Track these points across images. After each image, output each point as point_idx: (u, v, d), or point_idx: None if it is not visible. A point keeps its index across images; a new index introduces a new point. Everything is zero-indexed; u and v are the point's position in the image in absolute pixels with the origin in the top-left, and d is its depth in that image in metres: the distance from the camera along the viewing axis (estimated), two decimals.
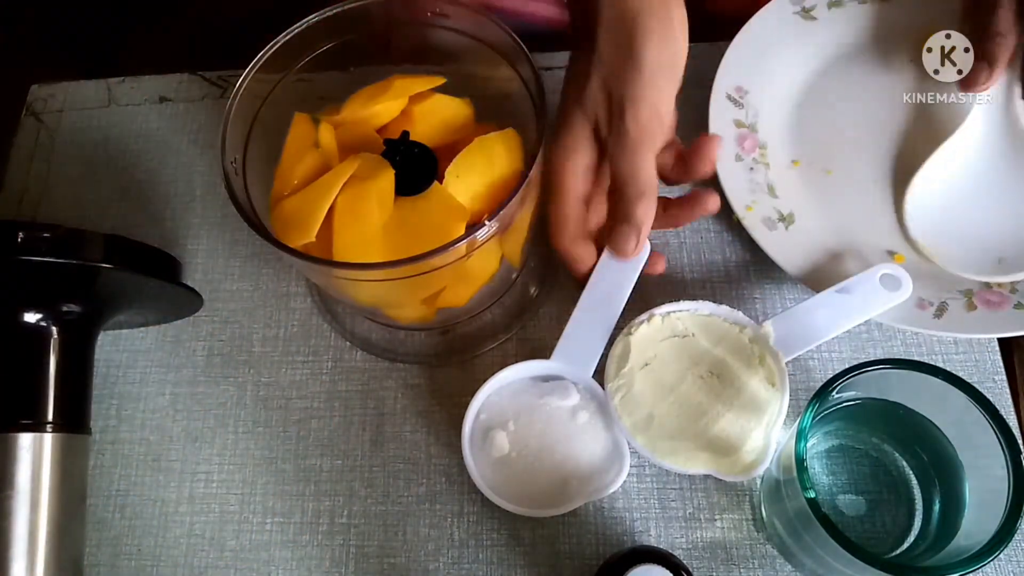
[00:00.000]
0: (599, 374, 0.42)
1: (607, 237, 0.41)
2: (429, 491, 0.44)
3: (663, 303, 0.42)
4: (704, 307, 0.42)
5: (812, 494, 0.32)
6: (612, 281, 0.42)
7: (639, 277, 0.43)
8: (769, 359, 0.40)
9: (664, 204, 0.42)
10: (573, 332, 0.42)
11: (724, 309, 0.42)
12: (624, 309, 0.42)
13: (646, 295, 0.44)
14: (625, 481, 0.43)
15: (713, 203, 0.41)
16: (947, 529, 0.36)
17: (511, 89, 0.40)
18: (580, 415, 0.41)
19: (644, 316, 0.42)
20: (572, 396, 0.41)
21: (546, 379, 0.43)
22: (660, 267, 0.43)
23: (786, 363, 0.40)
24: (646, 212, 0.39)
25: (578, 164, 0.39)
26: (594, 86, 0.36)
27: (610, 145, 0.38)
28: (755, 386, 0.40)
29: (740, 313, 0.42)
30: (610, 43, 0.36)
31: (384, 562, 0.42)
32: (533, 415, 0.41)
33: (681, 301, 0.42)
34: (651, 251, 0.43)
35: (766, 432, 0.39)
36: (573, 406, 0.41)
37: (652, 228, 0.40)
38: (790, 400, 0.39)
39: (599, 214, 0.43)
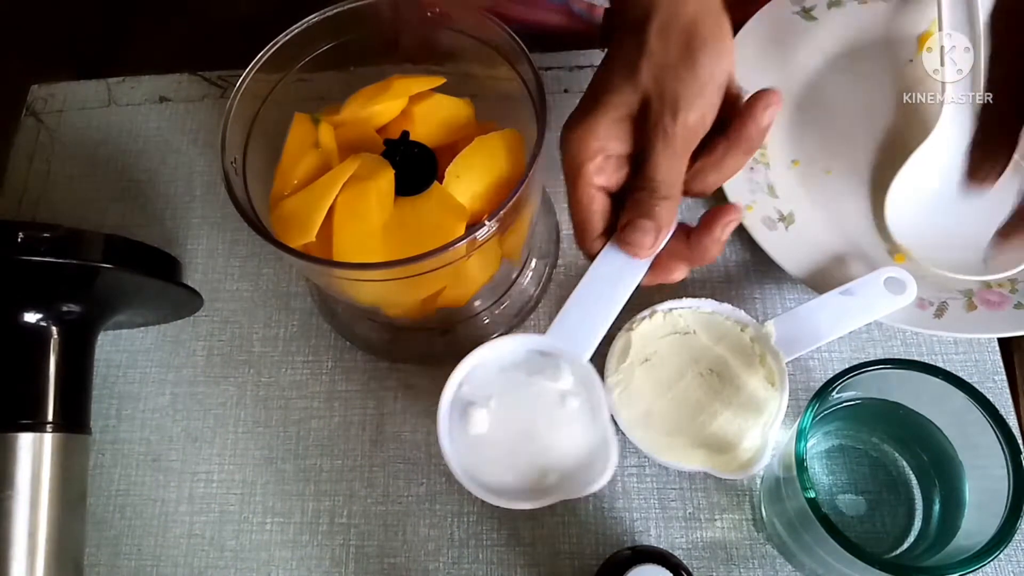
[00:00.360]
0: (596, 365, 0.40)
1: (620, 232, 0.38)
2: (429, 491, 0.44)
3: (665, 300, 0.42)
4: (706, 304, 0.42)
5: (812, 494, 0.32)
6: (622, 264, 0.39)
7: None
8: (770, 358, 0.40)
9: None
10: (573, 309, 0.38)
11: (726, 307, 0.42)
12: (628, 301, 0.41)
13: (647, 293, 0.44)
14: (625, 481, 0.43)
15: (678, 274, 0.39)
16: (947, 529, 0.36)
17: (511, 89, 0.40)
18: (570, 401, 0.37)
19: (646, 312, 0.42)
20: (564, 378, 0.37)
21: (540, 358, 0.39)
22: (678, 275, 0.40)
23: (786, 363, 0.40)
24: (671, 215, 0.37)
25: (609, 151, 0.36)
26: (645, 78, 0.35)
27: (652, 141, 0.35)
28: (754, 385, 0.40)
29: (742, 312, 0.42)
30: (664, 42, 0.34)
31: (384, 562, 0.42)
32: (519, 395, 0.37)
33: (683, 298, 0.42)
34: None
35: (763, 431, 0.39)
36: (564, 391, 0.37)
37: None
38: (790, 400, 0.39)
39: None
